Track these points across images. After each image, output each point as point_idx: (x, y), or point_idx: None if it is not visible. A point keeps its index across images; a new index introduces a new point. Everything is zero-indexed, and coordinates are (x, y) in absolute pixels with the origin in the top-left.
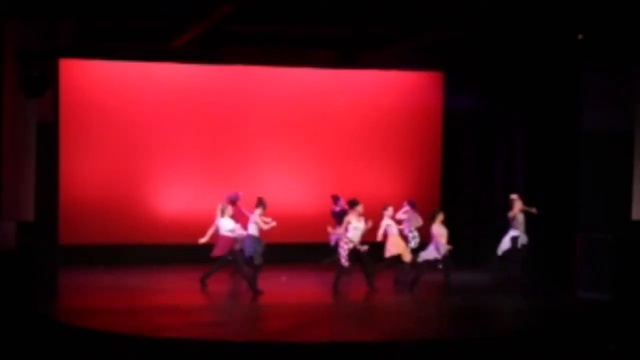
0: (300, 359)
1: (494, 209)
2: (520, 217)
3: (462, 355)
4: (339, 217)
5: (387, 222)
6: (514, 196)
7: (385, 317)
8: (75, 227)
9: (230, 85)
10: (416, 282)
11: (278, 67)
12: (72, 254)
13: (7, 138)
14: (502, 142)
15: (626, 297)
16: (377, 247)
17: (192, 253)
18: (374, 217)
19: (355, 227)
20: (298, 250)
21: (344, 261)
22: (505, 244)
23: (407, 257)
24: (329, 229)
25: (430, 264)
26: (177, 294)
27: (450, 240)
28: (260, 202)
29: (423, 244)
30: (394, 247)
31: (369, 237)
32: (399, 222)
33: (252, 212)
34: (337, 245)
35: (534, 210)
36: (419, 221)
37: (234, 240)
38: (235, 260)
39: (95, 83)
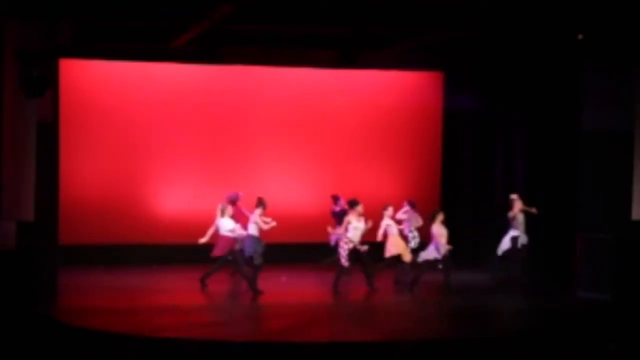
0: (300, 359)
1: (494, 209)
2: (520, 217)
3: (462, 355)
4: (339, 217)
5: (387, 222)
6: (514, 196)
7: (385, 317)
8: (75, 227)
9: (230, 85)
10: (416, 282)
11: (278, 67)
12: (72, 254)
13: (7, 138)
14: (502, 142)
15: (626, 297)
16: (377, 247)
17: (192, 253)
18: (374, 217)
19: (355, 227)
20: (298, 250)
21: (344, 261)
22: (505, 244)
23: (407, 257)
24: (329, 229)
25: (431, 264)
26: (177, 294)
27: (450, 240)
28: (260, 202)
29: (423, 244)
30: (394, 247)
31: (369, 237)
32: (399, 222)
33: (252, 212)
34: (337, 245)
35: (533, 210)
36: (419, 221)
37: (234, 240)
38: (235, 260)
39: (95, 83)
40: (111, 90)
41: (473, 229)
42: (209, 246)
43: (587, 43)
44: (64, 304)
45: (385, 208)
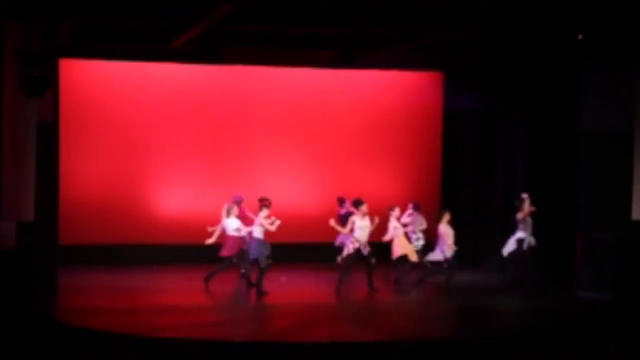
0: (300, 359)
1: (494, 209)
2: (529, 219)
3: (462, 355)
4: (345, 220)
5: (394, 224)
6: (524, 195)
7: (385, 317)
8: (75, 227)
9: (230, 85)
10: (421, 283)
11: (278, 67)
12: (72, 254)
13: (7, 138)
14: (502, 142)
15: (626, 297)
16: (378, 247)
17: (192, 253)
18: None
19: (360, 227)
20: (298, 250)
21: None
22: (510, 245)
23: (414, 257)
24: (332, 222)
25: (437, 265)
26: (177, 294)
27: (454, 240)
28: (264, 205)
29: (429, 244)
30: (400, 248)
31: (373, 237)
32: (404, 225)
33: (255, 213)
34: (342, 245)
35: (533, 209)
36: (423, 224)
37: (243, 240)
38: (241, 260)
39: (95, 83)
40: (111, 90)
41: (473, 229)
42: (209, 246)
43: (587, 43)
44: (64, 304)
45: (392, 209)
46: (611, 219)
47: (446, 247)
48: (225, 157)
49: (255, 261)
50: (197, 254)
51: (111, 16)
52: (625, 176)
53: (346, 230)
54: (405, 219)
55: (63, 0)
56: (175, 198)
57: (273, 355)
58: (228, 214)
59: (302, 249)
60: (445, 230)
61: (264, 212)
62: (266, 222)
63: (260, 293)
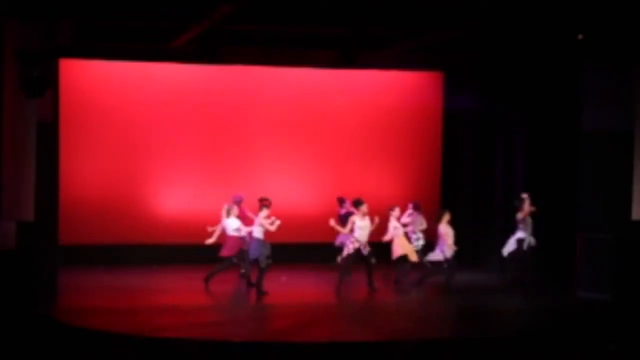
0: (300, 359)
1: (494, 209)
2: (529, 219)
3: (462, 355)
4: (345, 220)
5: (394, 224)
6: (524, 195)
7: (385, 317)
8: (75, 227)
9: (230, 85)
10: (421, 282)
11: (278, 67)
12: (72, 254)
13: (7, 138)
14: (502, 142)
15: (626, 297)
16: (378, 247)
17: (192, 253)
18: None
19: (360, 227)
20: (298, 250)
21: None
22: (510, 245)
23: (414, 257)
24: (331, 222)
25: (438, 265)
26: (177, 294)
27: (454, 240)
28: (264, 205)
29: (429, 244)
30: (400, 248)
31: (373, 237)
32: (404, 225)
33: (255, 213)
34: (342, 245)
35: (533, 209)
36: (423, 224)
37: (243, 240)
38: (241, 260)
39: (95, 83)
40: (111, 90)
41: (473, 229)
42: (209, 246)
43: (587, 43)
44: (64, 304)
45: (392, 209)
46: (611, 219)
47: (446, 247)
48: (225, 157)
49: (256, 261)
50: (197, 254)
51: (111, 16)
52: (625, 176)
53: (346, 230)
54: (405, 219)
55: (63, 0)
56: (175, 198)
57: (273, 355)
58: (228, 214)
59: (302, 249)
60: (445, 230)
61: (264, 212)
62: (266, 222)
63: (260, 293)
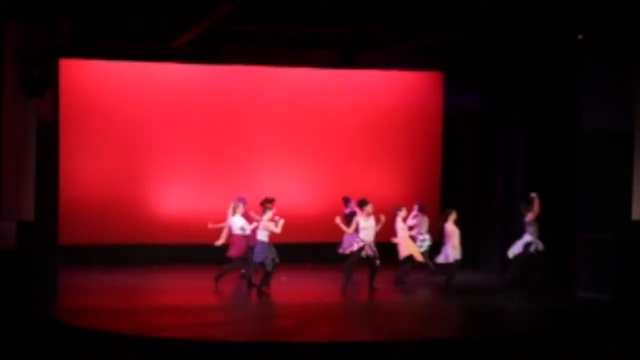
0: (301, 359)
1: (494, 209)
2: (536, 222)
3: (462, 355)
4: (349, 219)
5: (400, 226)
6: (533, 194)
7: (385, 317)
8: (75, 227)
9: (230, 85)
10: (448, 284)
11: (278, 67)
12: (72, 254)
13: (7, 138)
14: (502, 142)
15: (626, 297)
16: (384, 248)
17: (192, 253)
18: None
19: (364, 227)
20: (298, 250)
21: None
22: (517, 248)
23: (419, 257)
24: (337, 220)
25: (443, 265)
26: (177, 294)
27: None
28: (267, 208)
29: (435, 245)
30: (406, 248)
31: (379, 237)
32: (410, 227)
33: (257, 213)
34: (344, 252)
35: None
36: (427, 225)
37: (248, 239)
38: (244, 262)
39: (95, 83)
40: (111, 90)
41: (473, 229)
42: (209, 246)
43: (587, 43)
44: (64, 304)
45: (399, 209)
46: (611, 219)
47: (450, 248)
48: (225, 157)
49: (261, 264)
50: (197, 254)
51: (111, 16)
52: (625, 176)
53: (350, 230)
54: (410, 221)
55: (63, 0)
56: (175, 198)
57: (273, 355)
58: (234, 211)
59: (303, 249)
60: (452, 229)
61: (268, 215)
62: (271, 225)
63: (261, 293)
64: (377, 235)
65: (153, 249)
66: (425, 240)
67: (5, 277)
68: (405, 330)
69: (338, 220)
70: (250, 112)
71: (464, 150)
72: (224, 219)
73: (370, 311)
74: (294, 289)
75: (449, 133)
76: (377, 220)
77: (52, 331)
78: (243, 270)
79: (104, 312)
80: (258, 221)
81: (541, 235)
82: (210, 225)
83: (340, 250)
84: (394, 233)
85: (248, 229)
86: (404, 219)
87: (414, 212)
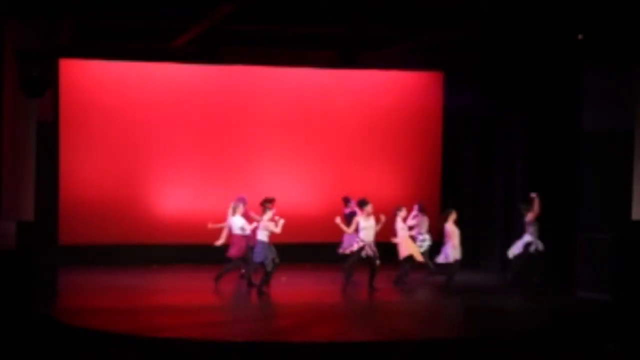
0: (300, 359)
1: (494, 209)
2: (536, 222)
3: (462, 355)
4: (349, 219)
5: (400, 226)
6: (533, 194)
7: (385, 317)
8: (75, 227)
9: (230, 85)
10: (449, 281)
11: (278, 67)
12: (72, 254)
13: (7, 138)
14: (502, 142)
15: (626, 297)
16: (384, 248)
17: (192, 253)
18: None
19: (364, 227)
20: (298, 250)
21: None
22: (517, 248)
23: (419, 257)
24: (337, 220)
25: (443, 265)
26: (177, 294)
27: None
28: (267, 208)
29: (436, 245)
30: (406, 248)
31: (379, 237)
32: (410, 227)
33: (257, 213)
34: (344, 252)
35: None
36: (427, 226)
37: (248, 239)
38: (244, 261)
39: (95, 83)
40: (111, 90)
41: (473, 229)
42: (209, 247)
43: (587, 43)
44: (64, 304)
45: (399, 209)
46: (611, 219)
47: (450, 248)
48: (225, 157)
49: (261, 264)
50: (197, 254)
51: (111, 16)
52: (625, 176)
53: (350, 230)
54: (410, 221)
55: (63, 0)
56: (175, 198)
57: (273, 355)
58: (234, 211)
59: (302, 249)
60: (452, 229)
61: (268, 215)
62: (271, 225)
63: (261, 293)
64: (377, 235)
65: (153, 249)
66: (425, 240)
67: (5, 277)
68: (405, 330)
69: (338, 220)
70: (250, 112)
71: (464, 150)
72: (224, 219)
73: (370, 311)
74: (294, 289)
75: (449, 133)
76: (377, 220)
77: (52, 331)
78: (243, 270)
79: (104, 312)
80: (258, 221)
81: (541, 235)
82: (210, 225)
83: (340, 250)
84: (394, 233)
85: (248, 229)
86: (404, 219)
87: (414, 212)
